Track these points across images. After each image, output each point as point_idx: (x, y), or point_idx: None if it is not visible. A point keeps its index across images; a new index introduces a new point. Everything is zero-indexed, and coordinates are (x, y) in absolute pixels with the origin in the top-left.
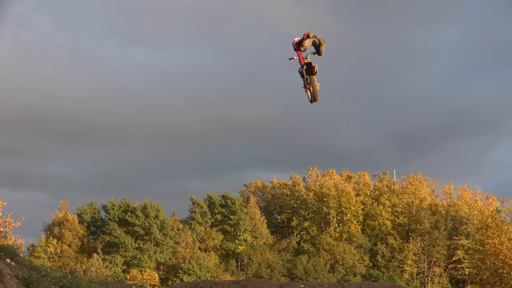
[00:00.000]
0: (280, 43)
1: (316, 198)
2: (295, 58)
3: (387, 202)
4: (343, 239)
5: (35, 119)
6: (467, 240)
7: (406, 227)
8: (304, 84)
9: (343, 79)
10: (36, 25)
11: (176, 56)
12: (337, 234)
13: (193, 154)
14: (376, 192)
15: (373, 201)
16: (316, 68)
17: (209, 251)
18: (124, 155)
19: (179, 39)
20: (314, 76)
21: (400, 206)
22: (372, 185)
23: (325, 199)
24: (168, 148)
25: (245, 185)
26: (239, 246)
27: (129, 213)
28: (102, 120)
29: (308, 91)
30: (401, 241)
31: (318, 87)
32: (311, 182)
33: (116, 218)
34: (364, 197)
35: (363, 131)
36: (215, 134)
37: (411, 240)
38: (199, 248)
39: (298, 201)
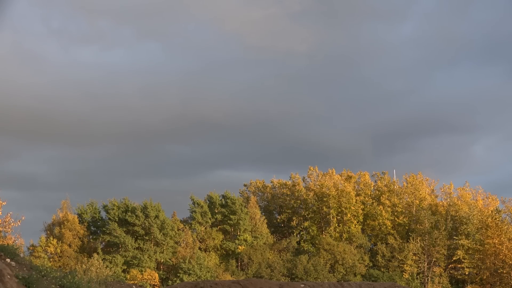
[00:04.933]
0: (227, 43)
1: (316, 198)
2: None
3: (387, 202)
4: (343, 239)
5: None
6: (467, 240)
7: (406, 227)
8: None
9: (309, 76)
10: None
11: (121, 56)
12: (337, 234)
13: (159, 151)
14: (376, 192)
15: (373, 201)
16: None
17: (209, 251)
18: (89, 153)
19: (122, 39)
20: None
21: (400, 206)
22: (372, 185)
23: (325, 199)
24: (132, 146)
25: (245, 185)
26: (239, 246)
27: (129, 213)
28: (61, 118)
29: None
30: (401, 241)
31: None
32: (311, 182)
33: (116, 218)
34: (364, 197)
35: (334, 129)
36: (180, 131)
37: (411, 240)
38: (199, 248)
39: (298, 201)
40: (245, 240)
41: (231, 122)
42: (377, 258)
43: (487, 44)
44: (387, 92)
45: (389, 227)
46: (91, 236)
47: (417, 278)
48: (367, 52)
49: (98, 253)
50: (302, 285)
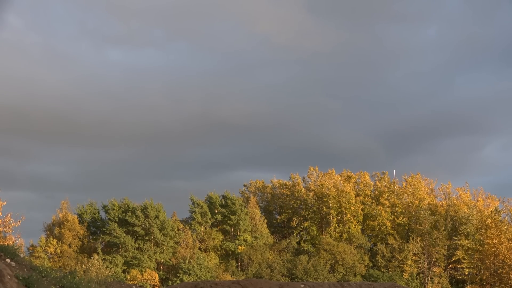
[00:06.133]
0: (256, 42)
1: (316, 198)
2: None
3: (387, 202)
4: (343, 239)
5: (14, 118)
6: (466, 240)
7: (406, 227)
8: None
9: (329, 79)
10: (3, 24)
11: (151, 56)
12: (337, 234)
13: (177, 152)
14: (376, 192)
15: (373, 201)
16: None
17: (209, 251)
18: (109, 154)
19: (153, 39)
20: None
21: (399, 206)
22: (372, 185)
23: (325, 199)
24: (152, 147)
25: (245, 185)
26: (239, 246)
27: (129, 213)
28: (83, 119)
29: None
30: (401, 241)
31: None
32: (311, 182)
33: (116, 218)
34: (364, 197)
35: (350, 130)
36: (198, 133)
37: (411, 240)
38: (199, 248)
39: (298, 201)
40: (245, 240)
41: (249, 124)
42: (377, 258)
43: (509, 48)
44: (407, 95)
45: (389, 227)
46: (91, 237)
47: (417, 278)
48: (390, 55)
49: (98, 253)
50: (302, 285)
